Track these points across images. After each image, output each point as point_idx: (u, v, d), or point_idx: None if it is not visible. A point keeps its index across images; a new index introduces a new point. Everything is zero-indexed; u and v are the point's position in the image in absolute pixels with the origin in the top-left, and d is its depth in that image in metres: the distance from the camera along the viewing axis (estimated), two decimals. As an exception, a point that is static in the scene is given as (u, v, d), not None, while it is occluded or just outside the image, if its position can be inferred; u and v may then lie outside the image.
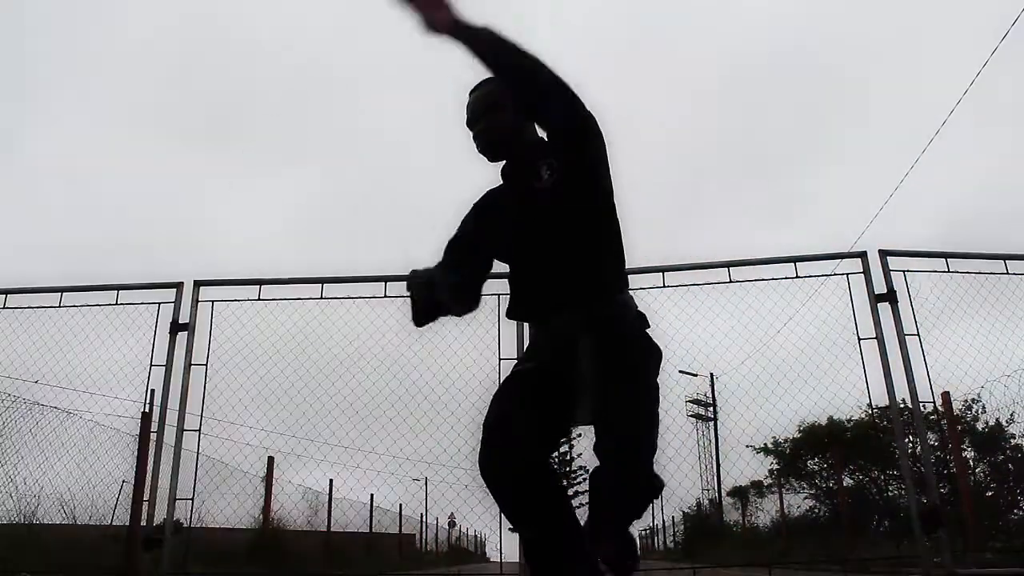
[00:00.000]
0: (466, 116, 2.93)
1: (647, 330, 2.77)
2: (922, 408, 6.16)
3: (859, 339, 6.18)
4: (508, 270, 2.93)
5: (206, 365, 6.55)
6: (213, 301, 6.75)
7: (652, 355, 2.70)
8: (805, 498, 20.68)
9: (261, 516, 13.71)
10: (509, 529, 2.86)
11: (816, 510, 20.21)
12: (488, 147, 2.87)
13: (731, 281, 6.41)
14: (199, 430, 6.38)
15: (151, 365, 6.56)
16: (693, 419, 36.01)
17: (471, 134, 2.90)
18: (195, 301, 6.72)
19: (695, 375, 11.96)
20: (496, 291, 6.39)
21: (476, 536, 41.45)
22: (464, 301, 3.01)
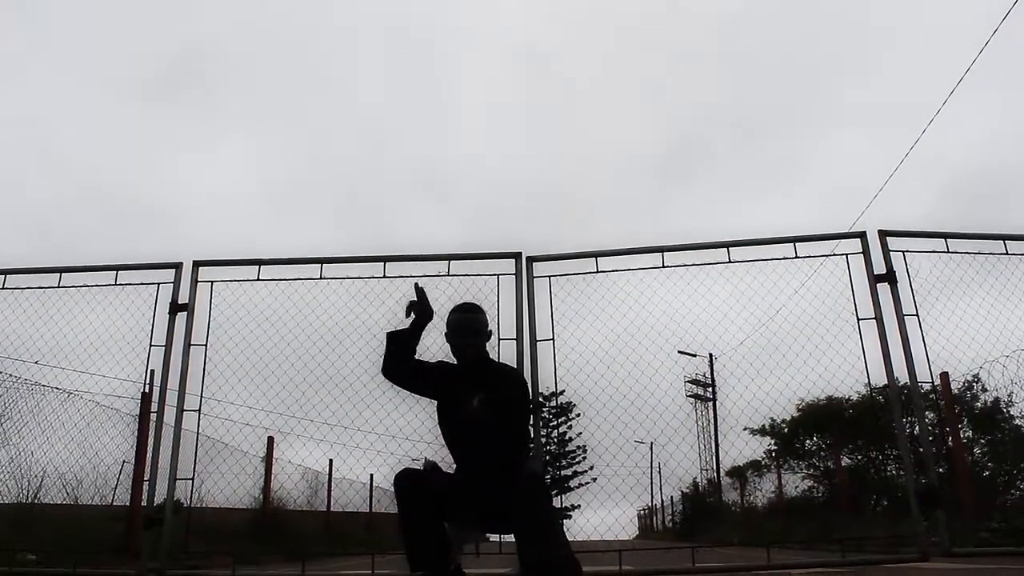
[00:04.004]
0: (457, 328, 4.31)
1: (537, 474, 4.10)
2: (920, 388, 6.17)
3: (858, 319, 6.19)
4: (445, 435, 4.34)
5: (206, 345, 6.56)
6: (212, 281, 6.75)
7: (539, 484, 3.96)
8: (803, 478, 20.78)
9: (261, 496, 13.78)
10: None
11: (814, 489, 20.30)
12: (469, 358, 4.29)
13: (730, 261, 6.40)
14: (199, 410, 6.40)
15: (151, 345, 6.57)
16: (692, 399, 36.18)
17: (457, 341, 4.30)
18: (194, 281, 6.72)
19: (694, 355, 11.97)
20: (496, 271, 6.41)
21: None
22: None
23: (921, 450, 6.29)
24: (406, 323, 4.40)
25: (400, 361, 4.40)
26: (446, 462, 4.32)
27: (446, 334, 4.44)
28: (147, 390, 7.79)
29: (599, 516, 6.40)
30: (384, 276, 6.49)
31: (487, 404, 4.12)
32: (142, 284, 6.77)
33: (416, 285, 4.42)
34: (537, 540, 3.69)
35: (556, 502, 5.53)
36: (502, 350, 5.86)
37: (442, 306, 4.69)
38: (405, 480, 4.10)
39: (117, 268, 6.82)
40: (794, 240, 6.39)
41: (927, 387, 6.52)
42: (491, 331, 4.52)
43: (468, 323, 4.36)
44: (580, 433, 6.64)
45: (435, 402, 4.44)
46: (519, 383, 4.39)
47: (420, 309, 4.39)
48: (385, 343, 4.42)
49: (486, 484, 3.91)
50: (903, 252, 6.37)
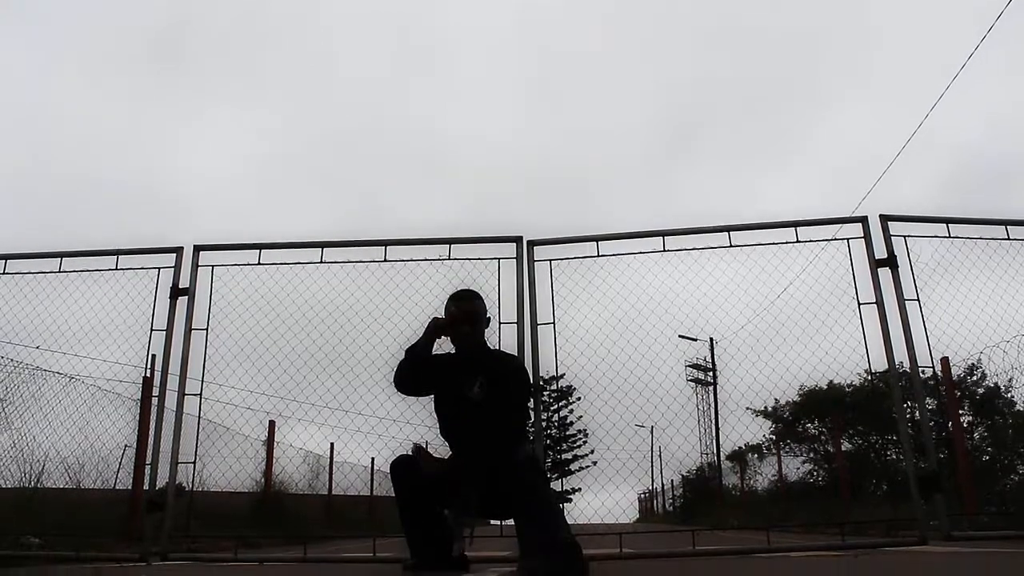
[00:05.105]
0: (453, 317, 4.32)
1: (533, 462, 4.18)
2: (921, 373, 6.18)
3: (859, 304, 6.18)
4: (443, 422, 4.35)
5: (207, 329, 6.55)
6: (213, 265, 6.74)
7: (537, 468, 4.14)
8: (804, 462, 20.83)
9: (263, 479, 13.83)
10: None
11: (815, 473, 20.36)
12: (463, 347, 4.32)
13: (731, 245, 6.39)
14: (200, 394, 6.40)
15: (152, 330, 6.56)
16: (692, 383, 36.19)
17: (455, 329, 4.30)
18: (195, 266, 6.71)
19: (695, 340, 11.96)
20: (497, 255, 6.41)
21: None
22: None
23: (921, 435, 6.30)
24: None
25: (417, 377, 4.40)
26: (438, 448, 4.33)
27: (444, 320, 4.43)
28: (148, 374, 7.79)
29: (600, 499, 6.42)
30: (385, 260, 6.49)
31: (487, 391, 4.12)
32: (143, 269, 6.77)
33: (452, 312, 4.40)
34: (536, 523, 3.71)
35: (557, 486, 5.55)
36: (503, 334, 5.88)
37: (443, 290, 4.70)
38: (401, 466, 4.11)
39: (117, 253, 6.81)
40: (795, 224, 6.38)
41: (928, 372, 6.52)
42: (490, 317, 4.52)
43: (466, 311, 4.36)
44: (580, 417, 6.66)
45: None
46: (519, 370, 4.40)
47: (443, 329, 4.37)
48: (403, 358, 4.41)
49: (484, 469, 3.92)
50: (904, 237, 6.36)
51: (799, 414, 21.51)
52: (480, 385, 4.14)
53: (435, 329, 4.35)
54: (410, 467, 4.12)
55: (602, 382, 6.24)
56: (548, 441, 6.86)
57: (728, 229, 6.40)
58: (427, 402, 5.01)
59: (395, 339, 6.16)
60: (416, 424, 6.12)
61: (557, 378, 6.62)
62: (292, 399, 7.39)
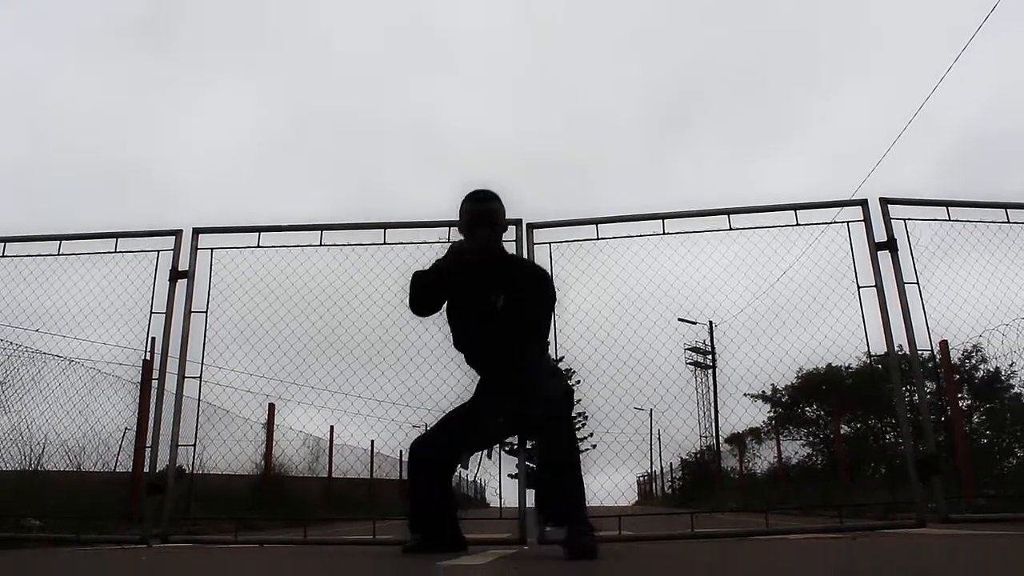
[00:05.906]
0: (473, 219, 3.97)
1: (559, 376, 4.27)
2: (920, 356, 6.18)
3: (858, 287, 6.17)
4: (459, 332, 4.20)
5: (206, 312, 6.54)
6: (212, 248, 6.72)
7: (558, 378, 4.12)
8: (803, 445, 20.90)
9: (263, 462, 13.87)
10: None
11: (813, 457, 20.42)
12: (483, 253, 3.97)
13: (731, 228, 6.38)
14: (200, 377, 6.40)
15: (151, 312, 6.55)
16: (692, 367, 36.23)
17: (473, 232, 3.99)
18: (194, 248, 6.69)
19: (694, 323, 11.94)
20: (496, 239, 6.38)
21: (475, 482, 41.86)
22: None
23: (920, 418, 6.30)
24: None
25: (435, 293, 4.14)
26: (446, 380, 4.31)
27: (459, 225, 4.15)
28: (148, 357, 7.81)
29: (599, 482, 6.43)
30: (384, 243, 6.48)
31: (512, 301, 3.90)
32: (142, 251, 6.76)
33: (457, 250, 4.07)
34: (562, 497, 3.85)
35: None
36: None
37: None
38: (420, 448, 4.09)
39: (117, 236, 6.79)
40: (795, 207, 6.36)
41: (927, 355, 6.52)
42: (508, 221, 4.26)
43: (484, 213, 4.04)
44: (580, 400, 6.65)
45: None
46: (544, 280, 4.19)
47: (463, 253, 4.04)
48: (418, 275, 4.20)
49: (508, 381, 3.88)
50: (904, 220, 6.34)
51: (798, 397, 21.56)
52: (500, 300, 3.89)
53: (458, 252, 4.04)
54: (429, 448, 4.10)
55: (601, 365, 6.24)
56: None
57: (728, 212, 6.38)
58: (426, 384, 4.99)
59: (395, 322, 6.16)
60: (416, 407, 6.14)
61: (557, 360, 6.62)
62: (292, 382, 7.39)
